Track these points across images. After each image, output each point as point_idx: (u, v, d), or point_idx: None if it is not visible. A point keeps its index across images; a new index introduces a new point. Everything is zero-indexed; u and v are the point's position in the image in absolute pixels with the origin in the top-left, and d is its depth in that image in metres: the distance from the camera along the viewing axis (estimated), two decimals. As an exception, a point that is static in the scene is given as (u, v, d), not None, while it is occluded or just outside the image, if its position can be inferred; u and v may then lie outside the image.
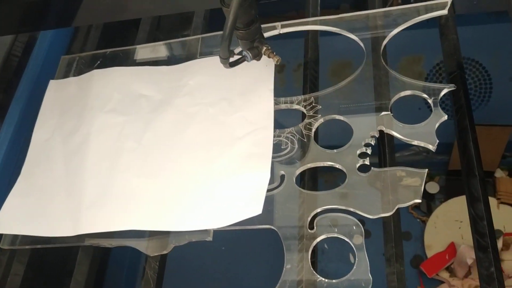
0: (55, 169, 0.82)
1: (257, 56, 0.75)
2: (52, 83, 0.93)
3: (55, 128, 0.88)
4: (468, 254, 1.36)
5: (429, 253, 1.48)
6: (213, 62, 0.84)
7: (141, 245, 0.73)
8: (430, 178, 1.61)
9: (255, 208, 0.67)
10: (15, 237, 0.79)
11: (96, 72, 0.91)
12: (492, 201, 1.46)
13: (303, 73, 0.84)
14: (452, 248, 1.42)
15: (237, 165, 0.73)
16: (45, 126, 0.88)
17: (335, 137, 0.79)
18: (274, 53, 0.75)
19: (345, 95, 0.77)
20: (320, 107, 0.76)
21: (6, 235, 0.79)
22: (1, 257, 0.80)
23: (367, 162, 0.70)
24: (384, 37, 0.81)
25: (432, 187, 1.58)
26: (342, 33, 0.83)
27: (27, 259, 0.79)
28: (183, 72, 0.86)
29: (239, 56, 0.73)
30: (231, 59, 0.70)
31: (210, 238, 0.70)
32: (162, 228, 0.71)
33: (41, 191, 0.81)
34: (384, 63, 0.78)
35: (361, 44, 0.81)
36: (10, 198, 0.81)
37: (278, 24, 0.86)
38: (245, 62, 0.73)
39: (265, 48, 0.74)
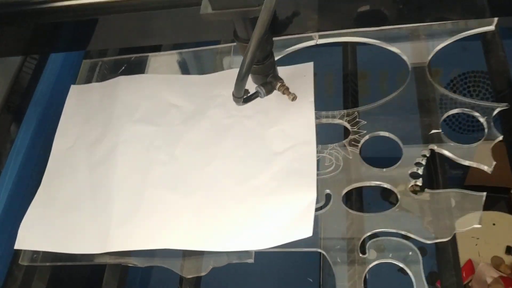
0: (79, 180, 0.77)
1: (270, 92, 0.71)
2: (74, 88, 0.88)
3: (78, 136, 0.83)
4: (487, 273, 1.34)
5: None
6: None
7: (175, 266, 0.69)
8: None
9: (304, 230, 0.63)
10: (35, 253, 0.73)
11: (122, 79, 0.86)
12: (510, 218, 1.45)
13: (343, 86, 0.81)
14: (469, 266, 1.39)
15: (280, 182, 0.69)
16: (67, 134, 0.83)
17: (377, 152, 0.76)
18: (289, 90, 0.71)
19: (390, 110, 0.74)
20: (365, 122, 0.73)
21: (25, 252, 0.74)
22: (17, 273, 0.75)
23: (419, 183, 0.66)
24: (429, 52, 0.78)
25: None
26: (384, 46, 0.80)
27: (48, 276, 0.73)
28: (216, 82, 0.82)
29: (252, 93, 0.69)
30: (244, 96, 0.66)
31: (251, 260, 0.66)
32: (200, 248, 0.67)
33: (64, 204, 0.75)
34: (430, 78, 0.74)
35: (404, 58, 0.78)
36: (30, 211, 0.76)
37: (315, 34, 0.83)
38: (260, 98, 0.70)
39: (279, 84, 0.71)
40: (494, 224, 1.64)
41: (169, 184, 0.72)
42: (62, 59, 0.94)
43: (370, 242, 0.64)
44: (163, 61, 0.90)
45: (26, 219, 0.75)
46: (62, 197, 0.76)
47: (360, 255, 0.63)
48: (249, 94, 0.68)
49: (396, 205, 0.65)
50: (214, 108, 0.79)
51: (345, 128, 0.75)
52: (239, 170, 0.71)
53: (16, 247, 0.73)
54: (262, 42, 0.56)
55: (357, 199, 0.68)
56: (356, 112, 0.74)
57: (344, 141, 0.72)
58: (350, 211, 0.66)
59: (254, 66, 0.67)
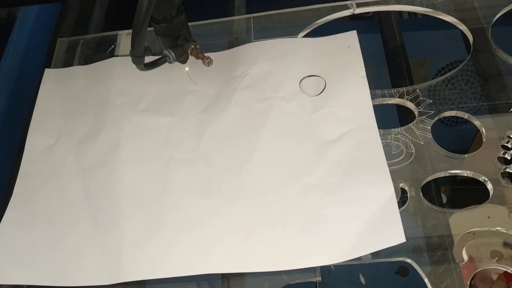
0: (69, 188, 0.59)
1: (181, 57, 0.61)
2: (50, 73, 0.69)
3: (61, 132, 0.63)
4: (492, 269, 1.27)
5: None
6: (276, 45, 0.66)
7: (216, 293, 0.52)
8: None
9: (395, 234, 0.49)
10: (15, 289, 0.54)
11: (117, 60, 0.68)
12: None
13: (391, 61, 0.68)
14: (470, 262, 1.32)
15: (341, 178, 0.55)
16: (45, 129, 0.64)
17: (444, 135, 0.64)
18: (204, 53, 0.61)
19: (457, 87, 0.62)
20: (430, 101, 0.61)
21: (1, 286, 0.54)
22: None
23: (510, 170, 0.55)
24: (487, 20, 0.67)
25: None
26: (434, 15, 0.68)
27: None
28: (238, 59, 0.66)
29: (158, 57, 0.59)
30: (147, 59, 0.56)
31: (319, 278, 0.51)
32: (251, 269, 0.51)
33: (50, 221, 0.56)
34: (496, 49, 0.64)
35: (463, 29, 0.67)
36: (2, 231, 0.56)
37: (351, 2, 0.70)
38: (169, 63, 0.60)
39: (192, 46, 0.60)
40: (489, 217, 1.61)
41: (197, 190, 0.56)
42: (27, 38, 0.74)
43: (467, 245, 0.51)
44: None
45: (-3, 244, 0.55)
46: (44, 212, 0.57)
47: (457, 262, 0.50)
48: (154, 59, 0.58)
49: (489, 198, 0.54)
50: (241, 90, 0.63)
51: (401, 109, 0.62)
52: (286, 167, 0.56)
53: (-14, 282, 0.53)
54: None
55: (437, 193, 0.56)
56: (417, 90, 0.62)
57: (410, 124, 0.59)
58: (434, 207, 0.53)
59: (161, 25, 0.57)
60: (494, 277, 1.39)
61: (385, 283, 1.21)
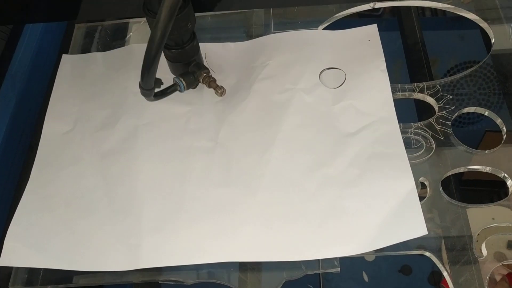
0: (86, 174, 0.58)
1: (192, 85, 0.57)
2: (67, 59, 0.69)
3: (78, 117, 0.63)
4: (496, 270, 1.27)
5: (449, 269, 1.37)
6: (296, 37, 0.66)
7: (233, 281, 0.52)
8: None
9: (417, 227, 0.49)
10: (31, 273, 0.54)
11: (136, 47, 0.68)
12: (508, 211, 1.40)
13: (410, 57, 0.68)
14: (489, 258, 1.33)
15: (362, 170, 0.54)
16: (62, 115, 0.64)
17: (461, 131, 0.64)
18: (217, 82, 0.57)
19: (476, 83, 0.62)
20: (450, 97, 0.61)
21: (17, 270, 0.54)
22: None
23: (530, 166, 0.55)
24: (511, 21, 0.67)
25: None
26: (455, 12, 0.68)
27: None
28: (258, 50, 0.66)
29: (168, 85, 0.55)
30: (157, 89, 0.52)
31: (337, 269, 0.51)
32: (270, 258, 0.51)
33: (66, 205, 0.56)
34: (516, 48, 0.64)
35: (484, 26, 0.67)
36: (19, 214, 0.56)
37: (372, -3, 0.70)
38: (180, 92, 0.56)
39: (204, 74, 0.57)
40: (493, 219, 1.61)
41: (216, 179, 0.55)
42: (44, 24, 0.74)
43: (487, 240, 0.51)
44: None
45: (13, 226, 0.55)
46: (62, 197, 0.57)
47: (476, 256, 0.50)
48: (164, 87, 0.54)
49: (510, 193, 0.54)
50: (260, 81, 0.63)
51: (420, 103, 0.62)
52: (306, 158, 0.56)
53: (1, 263, 0.53)
54: (173, 15, 0.42)
55: (458, 188, 0.56)
56: (438, 86, 0.62)
57: (430, 119, 0.59)
58: (454, 202, 0.53)
59: (172, 51, 0.54)
60: (498, 278, 1.40)
61: (388, 281, 1.21)
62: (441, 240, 0.51)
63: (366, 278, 1.14)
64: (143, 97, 0.62)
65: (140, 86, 0.48)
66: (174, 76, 0.56)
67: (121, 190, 0.56)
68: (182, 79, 0.55)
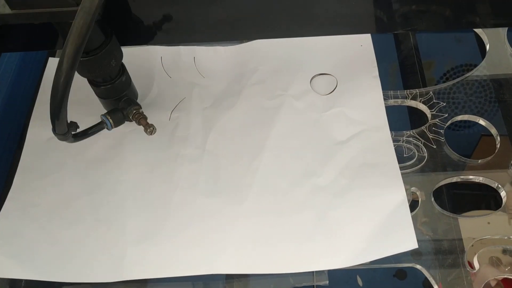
0: (70, 182, 0.57)
1: (121, 123, 0.53)
2: (53, 62, 0.67)
3: (64, 123, 0.62)
4: (491, 274, 1.26)
5: (444, 274, 1.36)
6: (287, 42, 0.65)
7: (220, 293, 0.51)
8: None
9: (406, 240, 0.48)
10: (13, 284, 0.52)
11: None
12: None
13: (400, 64, 0.67)
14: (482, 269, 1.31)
15: (351, 180, 0.53)
16: (47, 120, 0.61)
17: (454, 139, 0.63)
18: (147, 120, 0.53)
19: (467, 91, 0.61)
20: (444, 104, 0.59)
21: (-2, 281, 0.52)
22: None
23: (524, 176, 0.54)
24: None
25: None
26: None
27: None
28: (248, 54, 0.65)
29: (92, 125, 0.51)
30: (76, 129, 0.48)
31: (326, 282, 0.50)
32: (257, 270, 0.49)
33: (50, 214, 0.55)
34: None
35: (478, 31, 0.66)
36: (0, 224, 0.54)
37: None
38: (108, 130, 0.53)
39: (134, 111, 0.53)
40: (488, 223, 1.60)
41: (204, 187, 0.54)
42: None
43: (479, 253, 0.50)
44: None
45: (-6, 237, 0.54)
46: (45, 205, 0.56)
47: (469, 269, 0.49)
48: (89, 127, 0.50)
49: (503, 205, 0.53)
50: (250, 86, 0.61)
51: (413, 110, 0.61)
52: (295, 166, 0.55)
53: (-17, 275, 0.51)
54: (76, 62, 0.39)
55: (450, 198, 0.55)
56: (431, 92, 0.60)
57: (423, 127, 0.58)
58: (445, 213, 0.52)
59: (101, 87, 0.51)
60: (493, 283, 1.39)
61: (382, 286, 1.20)
62: (432, 252, 0.50)
63: (360, 282, 1.12)
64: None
65: (53, 131, 0.45)
66: (104, 113, 0.53)
67: (106, 199, 0.55)
68: (109, 117, 0.52)
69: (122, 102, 0.53)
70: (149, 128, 0.53)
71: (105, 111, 0.54)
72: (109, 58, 0.48)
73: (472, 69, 1.16)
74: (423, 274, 1.39)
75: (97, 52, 0.47)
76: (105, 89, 0.52)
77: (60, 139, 0.46)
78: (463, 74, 1.27)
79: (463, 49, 1.17)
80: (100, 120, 0.52)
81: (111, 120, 0.52)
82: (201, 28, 0.52)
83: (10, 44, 0.56)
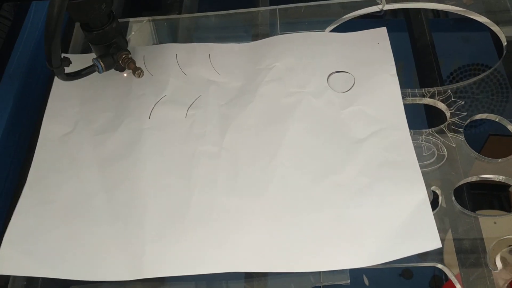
0: (86, 178, 0.56)
1: (111, 67, 0.59)
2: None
3: (79, 118, 0.61)
4: (499, 275, 1.26)
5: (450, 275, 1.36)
6: (303, 39, 0.65)
7: (239, 292, 0.50)
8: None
9: (429, 239, 0.47)
10: (30, 282, 0.52)
11: (138, 49, 0.66)
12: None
13: (419, 60, 0.66)
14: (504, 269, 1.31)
15: (372, 178, 0.53)
16: (61, 115, 0.62)
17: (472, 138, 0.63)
18: (136, 64, 0.59)
19: (486, 90, 0.61)
20: (462, 102, 0.59)
21: (14, 278, 0.52)
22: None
23: (544, 175, 0.54)
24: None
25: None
26: (465, 14, 0.67)
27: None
28: (264, 51, 0.64)
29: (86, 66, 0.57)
30: (68, 69, 0.53)
31: (348, 281, 0.50)
32: (277, 269, 0.49)
33: (65, 211, 0.54)
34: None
35: (495, 30, 0.66)
36: (15, 220, 0.54)
37: (381, -3, 0.68)
38: (98, 73, 0.58)
39: (124, 56, 0.58)
40: (495, 223, 1.60)
41: (222, 184, 0.54)
42: (43, 21, 0.72)
43: (501, 252, 0.50)
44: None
45: (10, 232, 0.53)
46: (61, 202, 0.55)
47: (491, 268, 0.49)
48: (81, 68, 0.56)
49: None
50: (267, 84, 0.61)
51: (430, 109, 0.61)
52: (314, 164, 0.55)
53: (-3, 272, 0.51)
54: None
55: (470, 197, 0.54)
56: (449, 91, 0.60)
57: (442, 126, 0.57)
58: (467, 212, 0.52)
59: (93, 32, 0.55)
60: (501, 283, 1.38)
61: (388, 285, 1.20)
62: (453, 252, 0.50)
63: (366, 281, 1.12)
64: (147, 101, 0.61)
65: (47, 64, 0.49)
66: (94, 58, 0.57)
67: (123, 196, 0.54)
68: (100, 60, 0.56)
69: (113, 48, 0.57)
70: (137, 71, 0.58)
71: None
72: (100, 2, 0.52)
73: (483, 69, 1.16)
74: (429, 274, 1.39)
75: None
76: (97, 34, 0.55)
77: (55, 74, 0.52)
78: (470, 74, 1.27)
79: (472, 49, 1.17)
80: (92, 63, 0.56)
81: (102, 64, 0.57)
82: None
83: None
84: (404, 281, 1.25)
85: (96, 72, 0.62)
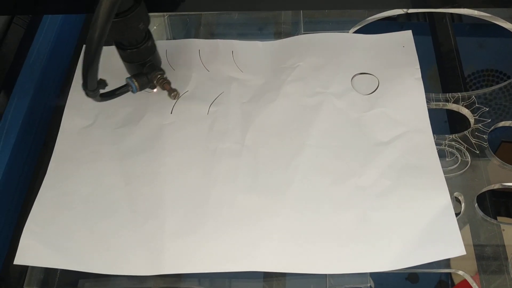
0: (106, 172, 0.56)
1: (146, 86, 0.56)
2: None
3: (100, 112, 0.61)
4: (505, 282, 1.25)
5: (456, 280, 1.36)
6: (327, 39, 0.64)
7: (258, 292, 0.50)
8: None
9: (453, 245, 0.47)
10: (47, 274, 0.51)
11: (160, 45, 0.65)
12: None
13: (443, 65, 0.66)
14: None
15: (394, 182, 0.52)
16: (82, 109, 0.61)
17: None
18: (171, 85, 0.56)
19: (510, 97, 0.60)
20: (487, 109, 0.58)
21: (32, 270, 0.52)
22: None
23: None
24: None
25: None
26: (491, 20, 0.66)
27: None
28: (288, 50, 0.64)
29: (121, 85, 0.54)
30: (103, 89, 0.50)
31: (367, 285, 0.49)
32: (297, 270, 0.49)
33: (85, 204, 0.54)
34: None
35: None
36: (36, 211, 0.54)
37: (405, 1, 0.67)
38: (132, 93, 0.55)
39: (158, 76, 0.56)
40: (503, 230, 1.59)
41: (243, 183, 0.53)
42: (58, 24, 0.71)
43: (524, 261, 0.50)
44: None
45: (30, 222, 0.53)
46: (80, 194, 0.55)
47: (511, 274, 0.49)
48: (115, 88, 0.53)
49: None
50: (290, 83, 0.61)
51: (453, 114, 0.60)
52: (336, 165, 0.54)
53: (16, 262, 0.50)
54: (111, 16, 0.42)
55: (493, 204, 0.54)
56: (473, 97, 0.59)
57: (465, 132, 0.57)
58: (489, 219, 0.51)
59: (127, 51, 0.53)
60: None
61: (395, 288, 1.19)
62: (474, 258, 0.49)
63: (372, 284, 1.12)
64: (168, 95, 0.60)
65: (83, 87, 0.47)
66: (128, 77, 0.55)
67: (143, 191, 0.54)
68: (134, 80, 0.54)
69: (147, 67, 0.55)
70: (173, 92, 0.56)
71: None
72: (138, 21, 0.51)
73: (498, 75, 1.14)
74: (436, 278, 1.38)
75: (127, 14, 0.49)
76: (131, 52, 0.54)
77: (88, 96, 0.48)
78: (485, 80, 1.26)
79: (486, 54, 1.16)
80: (125, 83, 0.54)
81: (136, 83, 0.54)
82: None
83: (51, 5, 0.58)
84: (410, 285, 1.25)
85: (118, 65, 0.62)
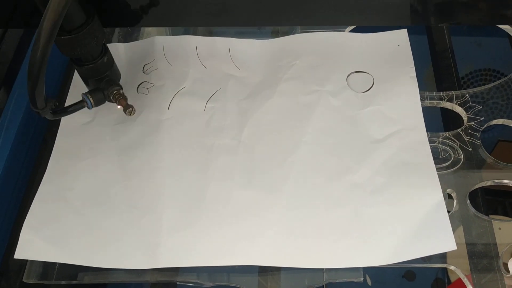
0: (104, 167, 0.57)
1: (102, 102, 0.55)
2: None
3: (98, 108, 0.61)
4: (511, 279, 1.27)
5: (453, 277, 1.37)
6: (323, 38, 0.65)
7: (252, 285, 0.51)
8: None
9: (444, 241, 0.48)
10: (46, 267, 0.52)
11: (158, 40, 0.66)
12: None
13: (433, 64, 0.67)
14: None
15: (388, 179, 0.53)
16: (82, 105, 0.62)
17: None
18: (127, 101, 0.55)
19: (504, 95, 0.61)
20: (480, 107, 0.59)
21: (31, 263, 0.52)
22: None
23: (560, 183, 0.54)
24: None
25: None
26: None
27: (63, 300, 0.53)
28: (284, 49, 0.65)
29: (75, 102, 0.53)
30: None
31: (360, 279, 0.50)
32: (292, 264, 0.50)
33: (83, 198, 0.55)
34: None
35: None
36: (36, 206, 0.54)
37: None
38: (88, 109, 0.54)
39: (115, 91, 0.54)
40: (500, 229, 1.60)
41: (239, 178, 0.54)
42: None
43: (515, 256, 0.50)
44: None
45: (30, 217, 0.54)
46: (80, 189, 0.56)
47: (503, 272, 0.50)
48: (69, 104, 0.53)
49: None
50: (286, 81, 0.61)
51: (446, 112, 0.61)
52: (331, 162, 0.55)
53: (17, 256, 0.51)
54: (52, 38, 0.41)
55: (484, 201, 0.55)
56: (467, 95, 0.60)
57: (459, 130, 0.58)
58: (480, 215, 0.52)
59: (84, 67, 0.52)
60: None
61: (391, 286, 1.20)
62: (466, 255, 0.50)
63: (369, 282, 1.13)
64: (166, 92, 0.61)
65: (32, 107, 0.46)
66: (85, 93, 0.54)
67: (141, 186, 0.55)
68: (90, 96, 0.53)
69: (104, 83, 0.54)
70: (128, 109, 0.54)
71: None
72: (90, 38, 0.50)
73: (495, 74, 1.15)
74: (432, 276, 1.39)
75: (79, 31, 0.48)
76: (87, 68, 0.53)
77: (39, 114, 0.47)
78: (482, 79, 1.27)
79: (484, 54, 1.17)
80: (81, 98, 0.53)
81: (91, 99, 0.53)
82: (191, 10, 0.52)
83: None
84: (407, 282, 1.26)
85: (117, 63, 0.63)
